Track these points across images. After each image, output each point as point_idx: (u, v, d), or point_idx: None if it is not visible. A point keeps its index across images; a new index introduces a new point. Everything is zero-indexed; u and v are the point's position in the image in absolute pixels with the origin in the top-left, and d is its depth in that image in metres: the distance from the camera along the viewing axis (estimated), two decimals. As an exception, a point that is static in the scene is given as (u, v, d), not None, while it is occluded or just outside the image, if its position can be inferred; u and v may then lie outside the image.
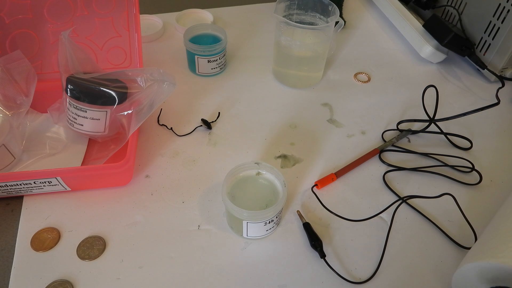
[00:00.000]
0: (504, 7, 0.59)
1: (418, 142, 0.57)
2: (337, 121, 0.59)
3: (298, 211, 0.47)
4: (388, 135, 0.57)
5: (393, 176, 0.52)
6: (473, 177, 0.52)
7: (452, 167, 0.53)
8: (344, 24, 0.73)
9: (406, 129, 0.57)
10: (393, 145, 0.55)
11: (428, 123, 0.57)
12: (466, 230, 0.47)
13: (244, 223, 0.42)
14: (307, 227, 0.46)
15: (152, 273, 0.42)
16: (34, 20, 0.53)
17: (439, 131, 0.57)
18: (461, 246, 0.45)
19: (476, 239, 0.45)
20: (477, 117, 0.60)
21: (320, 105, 0.62)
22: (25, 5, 0.52)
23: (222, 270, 0.43)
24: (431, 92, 0.62)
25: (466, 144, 0.56)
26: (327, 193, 0.50)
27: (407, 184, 0.51)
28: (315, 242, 0.44)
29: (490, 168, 0.54)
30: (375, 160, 0.54)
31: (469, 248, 0.45)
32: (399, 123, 0.58)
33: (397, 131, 0.57)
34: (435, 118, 0.56)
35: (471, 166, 0.53)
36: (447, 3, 0.70)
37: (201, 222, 0.46)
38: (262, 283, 0.42)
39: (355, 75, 0.67)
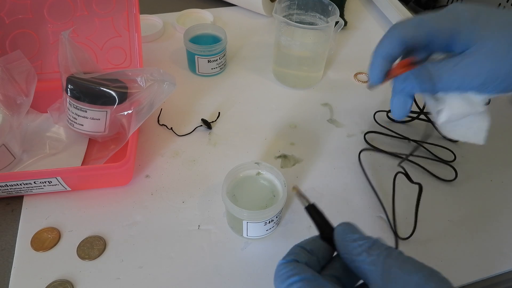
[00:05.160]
0: (504, 7, 0.59)
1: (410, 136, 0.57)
2: (337, 121, 0.59)
3: (295, 188, 0.34)
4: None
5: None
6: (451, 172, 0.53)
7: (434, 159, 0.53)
8: (345, 25, 0.73)
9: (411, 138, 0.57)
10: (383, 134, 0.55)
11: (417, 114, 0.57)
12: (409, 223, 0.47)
13: (244, 223, 0.42)
14: (312, 210, 0.33)
15: (152, 273, 0.42)
16: (34, 20, 0.53)
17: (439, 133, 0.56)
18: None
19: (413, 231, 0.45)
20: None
21: (320, 105, 0.62)
22: (25, 5, 0.52)
23: (222, 270, 0.43)
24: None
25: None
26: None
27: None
28: (327, 230, 0.32)
29: (490, 168, 0.54)
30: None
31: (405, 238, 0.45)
32: (389, 111, 0.58)
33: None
34: (427, 114, 0.56)
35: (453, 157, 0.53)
36: (447, 3, 0.70)
37: (201, 222, 0.46)
38: (262, 283, 0.42)
39: (355, 75, 0.67)
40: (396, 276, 0.26)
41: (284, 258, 0.30)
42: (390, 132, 0.56)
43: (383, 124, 0.58)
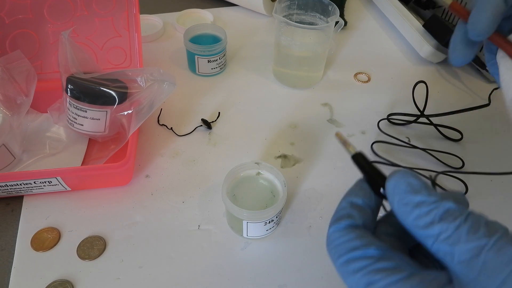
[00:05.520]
0: (504, 7, 0.59)
1: (415, 144, 0.57)
2: (337, 121, 0.59)
3: (338, 134, 0.30)
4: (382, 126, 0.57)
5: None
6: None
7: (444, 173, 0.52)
8: (345, 25, 0.73)
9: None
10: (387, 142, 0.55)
11: (417, 117, 0.57)
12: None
13: (244, 223, 0.42)
14: (361, 159, 0.28)
15: (152, 273, 0.42)
16: (34, 20, 0.53)
17: (439, 132, 0.57)
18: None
19: None
20: (478, 117, 0.60)
21: (320, 105, 0.62)
22: (25, 5, 0.52)
23: (222, 270, 0.43)
24: (435, 90, 0.62)
25: (457, 135, 0.56)
26: (322, 197, 0.50)
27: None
28: (380, 182, 0.26)
29: (490, 168, 0.54)
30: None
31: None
32: (389, 115, 0.58)
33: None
34: (428, 116, 0.56)
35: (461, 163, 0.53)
36: (447, 3, 0.70)
37: (201, 222, 0.46)
38: (262, 283, 0.42)
39: (355, 75, 0.67)
40: (493, 266, 0.19)
41: (336, 220, 0.24)
42: (396, 140, 0.55)
43: (382, 127, 0.58)
